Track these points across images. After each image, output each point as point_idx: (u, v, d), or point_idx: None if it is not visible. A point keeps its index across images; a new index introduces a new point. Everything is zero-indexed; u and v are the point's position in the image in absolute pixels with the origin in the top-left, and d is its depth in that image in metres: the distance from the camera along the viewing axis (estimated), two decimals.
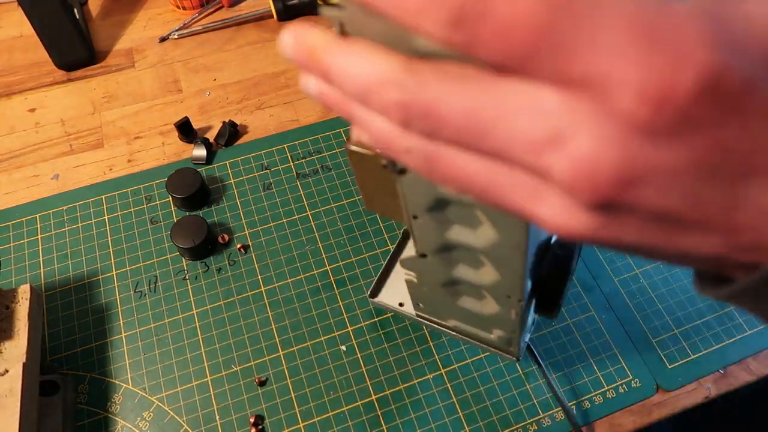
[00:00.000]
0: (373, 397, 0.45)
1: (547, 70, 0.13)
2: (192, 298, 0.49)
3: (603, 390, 0.45)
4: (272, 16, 0.69)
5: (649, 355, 0.46)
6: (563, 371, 0.46)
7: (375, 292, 0.45)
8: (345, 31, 0.18)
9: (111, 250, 0.52)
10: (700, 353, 0.46)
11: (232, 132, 0.58)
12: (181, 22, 0.68)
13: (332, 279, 0.50)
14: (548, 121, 0.14)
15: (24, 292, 0.42)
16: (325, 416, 0.44)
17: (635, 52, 0.13)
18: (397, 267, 0.45)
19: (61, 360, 0.47)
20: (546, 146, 0.14)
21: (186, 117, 0.57)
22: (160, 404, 0.45)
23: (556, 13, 0.13)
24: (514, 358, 0.40)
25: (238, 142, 0.59)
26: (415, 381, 0.46)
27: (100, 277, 0.51)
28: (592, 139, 0.13)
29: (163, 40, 0.67)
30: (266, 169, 0.57)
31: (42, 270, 0.51)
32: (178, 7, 0.69)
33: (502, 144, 0.15)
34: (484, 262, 0.32)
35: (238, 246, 0.52)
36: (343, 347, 0.47)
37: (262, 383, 0.46)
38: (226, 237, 0.52)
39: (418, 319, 0.42)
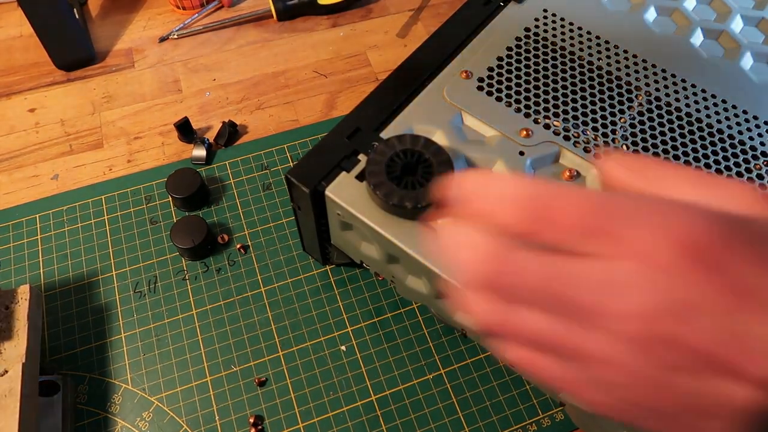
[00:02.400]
0: (373, 398, 0.45)
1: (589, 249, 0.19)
2: (192, 299, 0.49)
3: None
4: (272, 16, 0.69)
5: None
6: None
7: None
8: None
9: (111, 250, 0.52)
10: None
11: (231, 132, 0.58)
12: (181, 22, 0.68)
13: (332, 279, 0.50)
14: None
15: (23, 293, 0.42)
16: (324, 416, 0.44)
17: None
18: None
19: (60, 360, 0.47)
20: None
21: (186, 117, 0.57)
22: (160, 404, 0.45)
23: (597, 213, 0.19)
24: None
25: (238, 142, 0.59)
26: (415, 381, 0.46)
27: (100, 277, 0.51)
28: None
29: (162, 40, 0.67)
30: (266, 169, 0.57)
31: (42, 270, 0.51)
32: (178, 7, 0.69)
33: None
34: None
35: (238, 246, 0.52)
36: (343, 347, 0.47)
37: (261, 383, 0.46)
38: (226, 237, 0.52)
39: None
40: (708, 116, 0.42)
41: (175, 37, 0.67)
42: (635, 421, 0.21)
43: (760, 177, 0.39)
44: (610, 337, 0.19)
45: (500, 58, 0.44)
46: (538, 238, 0.19)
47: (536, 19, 0.47)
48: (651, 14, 0.48)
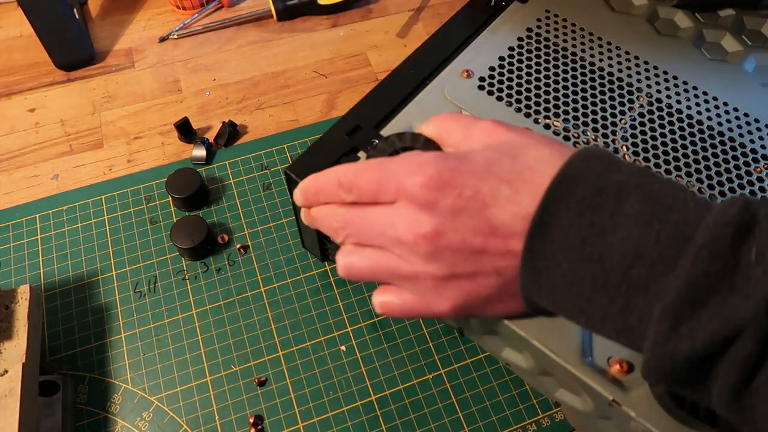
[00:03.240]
0: (373, 398, 0.45)
1: (381, 198, 0.30)
2: (191, 299, 0.49)
3: None
4: (272, 16, 0.69)
5: None
6: None
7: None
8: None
9: (110, 250, 0.52)
10: None
11: (231, 132, 0.58)
12: (181, 22, 0.68)
13: (332, 279, 0.50)
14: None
15: (23, 293, 0.42)
16: (324, 416, 0.44)
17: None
18: None
19: (60, 360, 0.47)
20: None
21: (186, 117, 0.57)
22: (160, 404, 0.45)
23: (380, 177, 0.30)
24: None
25: (238, 142, 0.59)
26: (415, 381, 0.46)
27: (100, 277, 0.51)
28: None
29: (162, 40, 0.67)
30: (266, 169, 0.57)
31: (41, 270, 0.51)
32: (178, 7, 0.69)
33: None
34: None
35: (238, 246, 0.52)
36: (343, 347, 0.47)
37: (261, 383, 0.46)
38: (226, 237, 0.52)
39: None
40: (709, 118, 0.42)
41: (175, 37, 0.67)
42: (462, 310, 0.30)
43: (760, 180, 0.39)
44: (416, 255, 0.29)
45: (502, 58, 0.44)
46: (361, 200, 0.30)
47: (538, 20, 0.47)
48: (653, 16, 0.48)
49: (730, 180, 0.39)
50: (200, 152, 0.57)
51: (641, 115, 0.42)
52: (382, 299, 0.32)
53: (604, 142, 0.40)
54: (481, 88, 0.43)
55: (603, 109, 0.42)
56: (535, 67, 0.44)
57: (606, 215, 0.25)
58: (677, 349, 0.24)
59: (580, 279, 0.26)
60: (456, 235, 0.28)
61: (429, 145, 0.37)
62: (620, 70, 0.44)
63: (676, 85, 0.43)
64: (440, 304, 0.30)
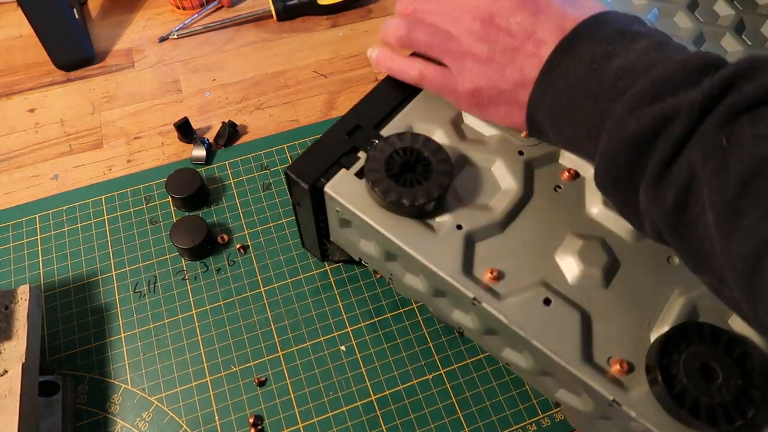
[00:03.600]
0: (373, 398, 0.45)
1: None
2: (191, 299, 0.49)
3: None
4: (272, 16, 0.69)
5: None
6: None
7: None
8: None
9: (110, 250, 0.52)
10: None
11: (231, 132, 0.58)
12: (181, 22, 0.68)
13: (332, 279, 0.50)
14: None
15: (23, 293, 0.42)
16: (324, 416, 0.44)
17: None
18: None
19: (60, 360, 0.47)
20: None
21: (185, 117, 0.57)
22: (160, 404, 0.45)
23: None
24: None
25: (238, 142, 0.59)
26: (415, 381, 0.46)
27: (100, 277, 0.51)
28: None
29: (162, 40, 0.67)
30: (266, 169, 0.57)
31: (41, 270, 0.51)
32: (178, 7, 0.69)
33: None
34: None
35: (238, 246, 0.52)
36: (343, 348, 0.47)
37: (261, 383, 0.46)
38: (226, 237, 0.52)
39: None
40: None
41: (175, 37, 0.67)
42: (475, 100, 0.38)
43: None
44: (468, 37, 0.36)
45: None
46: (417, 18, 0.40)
47: None
48: (653, 15, 0.48)
49: None
50: (200, 152, 0.57)
51: None
52: (420, 68, 0.41)
53: None
54: None
55: None
56: None
57: (618, 47, 0.31)
58: (626, 129, 0.29)
59: (579, 87, 0.31)
60: (505, 23, 0.35)
61: (429, 145, 0.37)
62: None
63: None
64: (464, 83, 0.38)
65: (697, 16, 0.47)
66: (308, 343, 0.47)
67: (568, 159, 0.40)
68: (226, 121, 0.58)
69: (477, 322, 0.38)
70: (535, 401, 0.45)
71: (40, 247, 0.52)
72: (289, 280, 0.50)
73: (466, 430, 0.44)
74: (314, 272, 0.51)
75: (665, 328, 0.33)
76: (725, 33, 0.46)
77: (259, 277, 0.51)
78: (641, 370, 0.32)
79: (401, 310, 0.49)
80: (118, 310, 0.49)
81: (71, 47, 0.63)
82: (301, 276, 0.51)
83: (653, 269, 0.36)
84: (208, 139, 0.58)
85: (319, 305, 0.49)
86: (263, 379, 0.46)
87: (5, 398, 0.38)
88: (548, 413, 0.45)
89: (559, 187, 0.39)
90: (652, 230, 0.31)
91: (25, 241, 0.52)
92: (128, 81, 0.64)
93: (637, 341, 0.33)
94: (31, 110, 0.62)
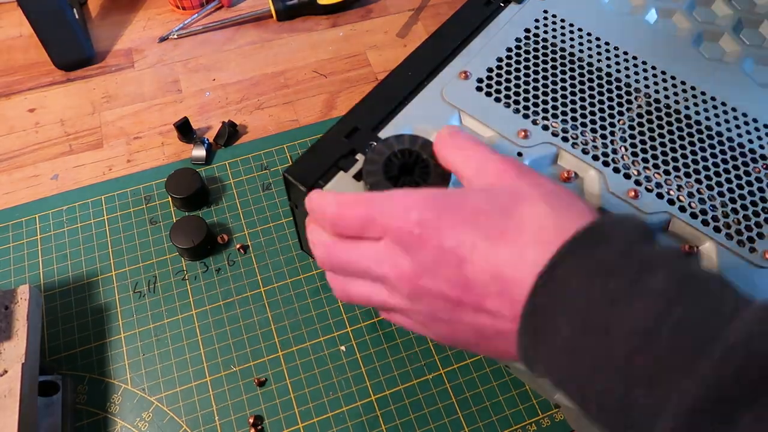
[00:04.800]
0: (373, 398, 0.45)
1: (367, 234, 0.29)
2: (191, 299, 0.50)
3: None
4: (272, 16, 0.69)
5: None
6: None
7: None
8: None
9: (110, 250, 0.52)
10: None
11: (231, 132, 0.58)
12: (181, 22, 0.68)
13: None
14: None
15: (23, 293, 0.43)
16: (324, 417, 0.44)
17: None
18: None
19: (60, 360, 0.47)
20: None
21: (185, 117, 0.57)
22: (159, 405, 0.45)
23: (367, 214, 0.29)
24: None
25: (238, 142, 0.59)
26: (415, 381, 0.46)
27: (99, 277, 0.51)
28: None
29: (162, 40, 0.67)
30: (266, 169, 0.57)
31: (41, 270, 0.51)
32: (178, 7, 0.69)
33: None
34: None
35: (238, 246, 0.52)
36: (343, 348, 0.47)
37: (261, 384, 0.46)
38: (226, 237, 0.52)
39: None
40: (707, 119, 0.42)
41: (175, 37, 0.67)
42: (454, 346, 0.33)
43: (758, 180, 0.39)
44: (399, 294, 0.29)
45: (500, 59, 0.44)
46: (346, 234, 0.30)
47: (536, 20, 0.47)
48: (652, 16, 0.48)
49: (729, 180, 0.39)
50: (200, 152, 0.57)
51: (639, 115, 0.42)
52: (385, 316, 0.33)
53: (602, 143, 0.40)
54: (479, 89, 0.43)
55: (601, 110, 0.42)
56: (533, 68, 0.44)
57: (625, 283, 0.23)
58: None
59: (580, 350, 0.23)
60: (434, 283, 0.27)
61: (428, 148, 0.37)
62: (618, 71, 0.44)
63: (674, 86, 0.43)
64: (430, 335, 0.31)
65: (695, 16, 0.48)
66: (308, 343, 0.47)
67: (567, 161, 0.40)
68: (226, 121, 0.58)
69: None
70: (535, 401, 0.45)
71: (39, 247, 0.52)
72: (289, 280, 0.50)
73: (466, 430, 0.44)
74: (314, 272, 0.51)
75: None
76: (724, 33, 0.46)
77: (259, 277, 0.51)
78: None
79: None
80: (118, 310, 0.49)
81: (71, 47, 0.63)
82: (301, 276, 0.51)
83: None
84: (208, 139, 0.58)
85: (319, 305, 0.49)
86: (263, 379, 0.46)
87: (5, 398, 0.38)
88: (548, 413, 0.45)
89: None
90: None
91: (25, 241, 0.52)
92: (128, 81, 0.64)
93: None
94: (31, 110, 0.62)
